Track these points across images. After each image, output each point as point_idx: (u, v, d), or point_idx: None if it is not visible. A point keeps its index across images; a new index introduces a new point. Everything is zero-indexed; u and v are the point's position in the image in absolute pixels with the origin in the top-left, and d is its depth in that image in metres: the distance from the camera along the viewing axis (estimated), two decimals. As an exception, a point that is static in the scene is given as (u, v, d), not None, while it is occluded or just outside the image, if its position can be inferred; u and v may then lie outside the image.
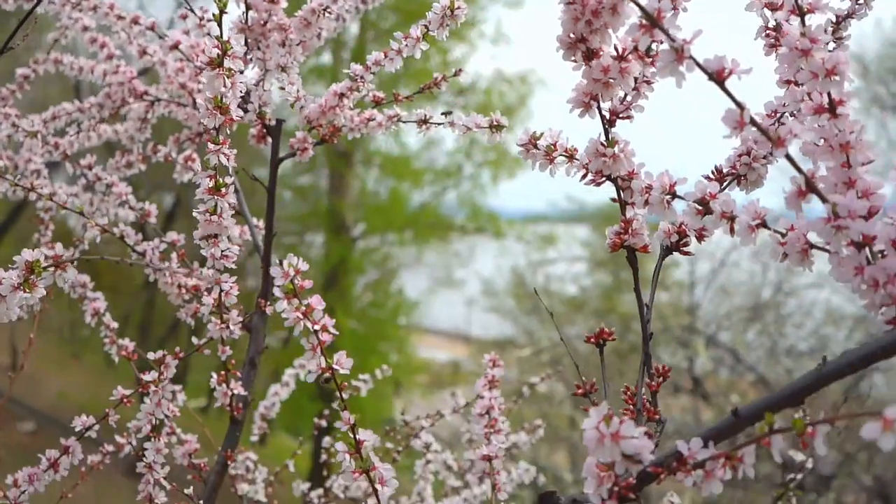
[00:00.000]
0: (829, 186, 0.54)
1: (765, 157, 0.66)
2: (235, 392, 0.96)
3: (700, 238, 0.66)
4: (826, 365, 0.49)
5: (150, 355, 0.88)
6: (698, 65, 0.50)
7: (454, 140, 12.20)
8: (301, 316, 0.61)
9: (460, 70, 0.99)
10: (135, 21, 1.09)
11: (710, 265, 7.63)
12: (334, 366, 0.62)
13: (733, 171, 0.67)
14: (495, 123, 0.81)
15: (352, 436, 0.64)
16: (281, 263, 0.60)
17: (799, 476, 1.04)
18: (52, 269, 0.68)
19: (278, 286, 0.60)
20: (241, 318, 0.91)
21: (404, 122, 0.96)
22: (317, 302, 0.62)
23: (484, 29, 10.58)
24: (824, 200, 0.50)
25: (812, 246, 0.54)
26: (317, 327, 0.61)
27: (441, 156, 12.40)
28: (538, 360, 7.73)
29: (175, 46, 1.04)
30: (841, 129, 0.53)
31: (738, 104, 0.50)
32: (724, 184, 0.67)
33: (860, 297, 0.51)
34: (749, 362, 6.23)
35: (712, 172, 0.68)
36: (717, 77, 0.50)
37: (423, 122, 0.93)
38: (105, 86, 1.20)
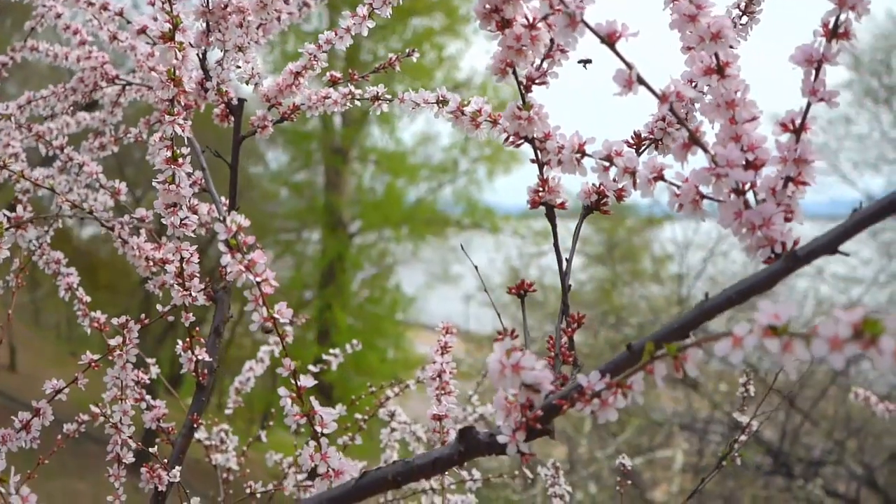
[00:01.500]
0: (720, 141, 0.59)
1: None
2: (200, 358, 1.01)
3: (619, 198, 0.71)
4: (707, 300, 0.54)
5: (114, 321, 0.93)
6: (590, 28, 0.55)
7: (450, 136, 12.24)
8: (244, 269, 0.66)
9: (413, 50, 1.04)
10: (104, 7, 1.13)
11: (703, 256, 7.69)
12: (275, 315, 0.67)
13: (651, 135, 0.72)
14: (441, 99, 0.86)
15: (293, 381, 0.69)
16: (224, 221, 0.65)
17: (743, 437, 1.09)
18: (12, 229, 0.73)
19: (222, 240, 0.65)
20: (203, 287, 0.95)
21: (359, 99, 1.01)
22: (259, 256, 0.67)
23: (479, 25, 10.61)
24: (706, 151, 0.55)
25: (703, 196, 0.59)
26: (259, 279, 0.66)
27: (437, 152, 12.45)
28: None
29: (142, 31, 1.09)
30: (728, 88, 0.58)
31: (628, 64, 0.55)
32: (642, 147, 0.72)
33: (740, 241, 0.56)
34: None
35: (631, 137, 0.73)
36: (609, 40, 0.55)
37: (376, 98, 0.98)
38: (79, 71, 1.24)
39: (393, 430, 1.35)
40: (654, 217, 9.49)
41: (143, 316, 0.97)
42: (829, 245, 0.51)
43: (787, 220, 0.56)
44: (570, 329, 0.66)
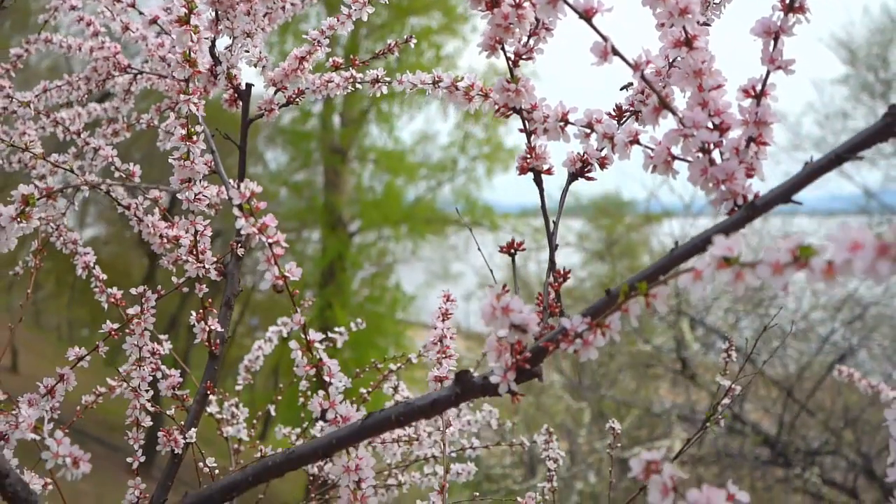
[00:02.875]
0: (689, 107, 0.65)
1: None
2: (213, 329, 1.07)
3: (602, 166, 0.77)
4: (676, 248, 0.60)
5: (132, 290, 1.00)
6: (569, 5, 0.61)
7: (448, 135, 12.28)
8: (257, 231, 0.72)
9: (411, 37, 1.10)
10: (117, -1, 1.19)
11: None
12: (286, 273, 0.73)
13: (631, 107, 0.78)
14: (437, 79, 0.92)
15: (303, 336, 0.75)
16: (238, 187, 0.71)
17: (727, 401, 1.15)
18: (44, 199, 0.79)
19: (236, 205, 0.71)
20: (215, 259, 1.02)
21: (360, 82, 1.07)
22: (270, 220, 0.73)
23: (476, 24, 10.67)
24: (675, 115, 0.61)
25: (674, 157, 0.65)
26: (271, 241, 0.72)
27: (435, 150, 12.51)
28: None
29: (154, 21, 1.15)
30: (695, 59, 0.64)
31: (603, 37, 0.61)
32: (623, 118, 0.78)
33: (706, 195, 0.62)
34: (737, 343, 6.35)
35: (613, 109, 0.79)
36: (586, 15, 0.61)
37: (376, 81, 1.04)
38: (92, 61, 1.30)
39: (397, 402, 1.40)
40: (652, 214, 9.56)
41: (158, 288, 1.03)
42: (783, 195, 0.57)
43: (749, 176, 0.62)
44: (556, 283, 0.72)
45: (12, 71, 1.41)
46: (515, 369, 0.64)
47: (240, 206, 0.71)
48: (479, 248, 1.07)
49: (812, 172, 0.57)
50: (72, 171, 1.10)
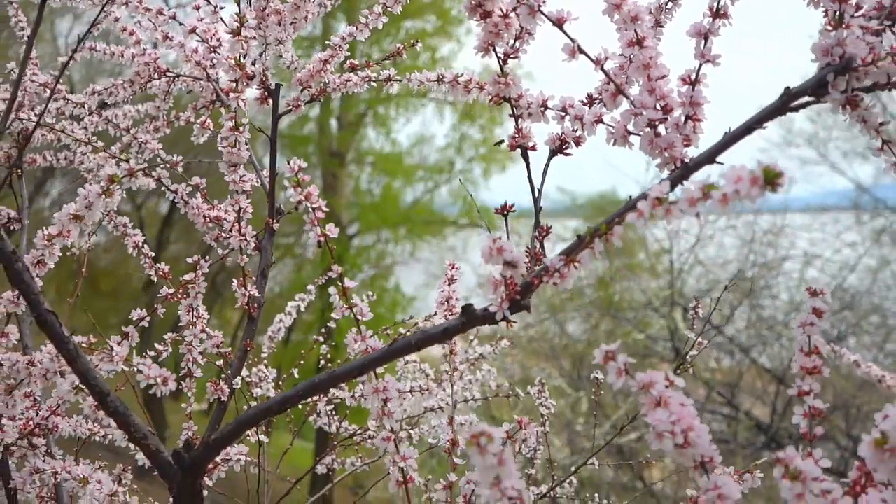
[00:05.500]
0: (640, 93, 0.83)
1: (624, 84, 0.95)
2: (252, 294, 1.25)
3: (577, 143, 0.95)
4: (630, 201, 0.78)
5: (189, 259, 1.18)
6: (545, 15, 0.79)
7: (445, 137, 12.45)
8: (304, 198, 0.90)
9: (416, 41, 1.28)
10: (159, 12, 1.37)
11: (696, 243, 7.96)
12: (327, 232, 0.91)
13: (599, 95, 0.96)
14: (440, 77, 1.10)
15: (340, 283, 0.93)
16: (289, 162, 0.89)
17: (694, 352, 1.33)
18: (126, 178, 0.97)
19: (287, 177, 0.89)
20: (255, 233, 1.20)
21: (374, 81, 1.25)
22: (314, 189, 0.91)
23: (471, 27, 10.86)
24: (627, 98, 0.80)
25: (629, 132, 0.83)
26: (314, 206, 0.90)
27: (432, 152, 12.70)
28: (535, 347, 8.01)
29: (192, 31, 1.33)
30: (645, 55, 0.82)
31: (572, 39, 0.80)
32: (594, 104, 0.96)
33: (654, 159, 0.80)
34: (728, 333, 6.55)
35: (586, 97, 0.97)
36: (558, 23, 0.80)
37: (388, 80, 1.22)
38: (135, 67, 1.49)
39: (407, 362, 1.59)
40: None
41: (207, 258, 1.21)
42: (708, 158, 0.76)
43: (687, 145, 0.80)
44: (540, 236, 0.90)
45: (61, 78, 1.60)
46: (509, 300, 0.82)
47: (290, 179, 0.89)
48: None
49: (730, 139, 0.75)
50: (126, 160, 1.28)
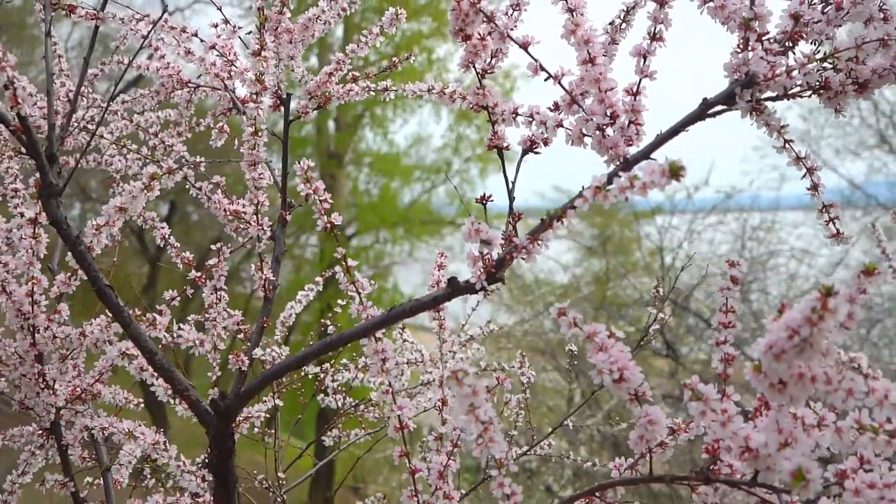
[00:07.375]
0: (592, 102, 1.01)
1: (581, 95, 1.13)
2: (268, 277, 1.43)
3: (545, 144, 1.13)
4: (588, 185, 0.96)
5: (213, 247, 1.36)
6: (512, 39, 0.97)
7: (442, 137, 12.63)
8: (311, 192, 1.08)
9: (411, 54, 1.46)
10: (183, 30, 1.55)
11: (690, 240, 8.15)
12: (332, 220, 1.09)
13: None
14: (430, 87, 1.28)
15: (344, 263, 1.11)
16: (299, 162, 1.07)
17: (656, 326, 1.51)
18: (164, 175, 1.15)
19: (298, 174, 1.07)
20: (271, 223, 1.38)
21: (373, 91, 1.43)
22: (321, 185, 1.09)
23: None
24: (580, 107, 0.98)
25: (584, 134, 1.01)
26: (321, 198, 1.08)
27: (429, 153, 12.87)
28: (530, 342, 8.19)
29: (212, 47, 1.51)
30: (596, 71, 1.00)
31: (534, 59, 0.98)
32: (561, 112, 1.14)
33: (601, 156, 0.99)
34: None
35: (553, 104, 1.15)
36: (524, 45, 0.98)
37: (386, 90, 1.40)
38: (159, 78, 1.67)
39: (405, 340, 1.78)
40: (642, 211, 9.93)
41: (229, 245, 1.39)
42: (643, 155, 0.94)
43: (629, 145, 0.98)
44: (513, 220, 1.08)
45: (90, 87, 1.78)
46: (486, 273, 1.00)
47: (299, 175, 1.07)
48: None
49: (658, 142, 0.93)
50: (157, 161, 1.46)
